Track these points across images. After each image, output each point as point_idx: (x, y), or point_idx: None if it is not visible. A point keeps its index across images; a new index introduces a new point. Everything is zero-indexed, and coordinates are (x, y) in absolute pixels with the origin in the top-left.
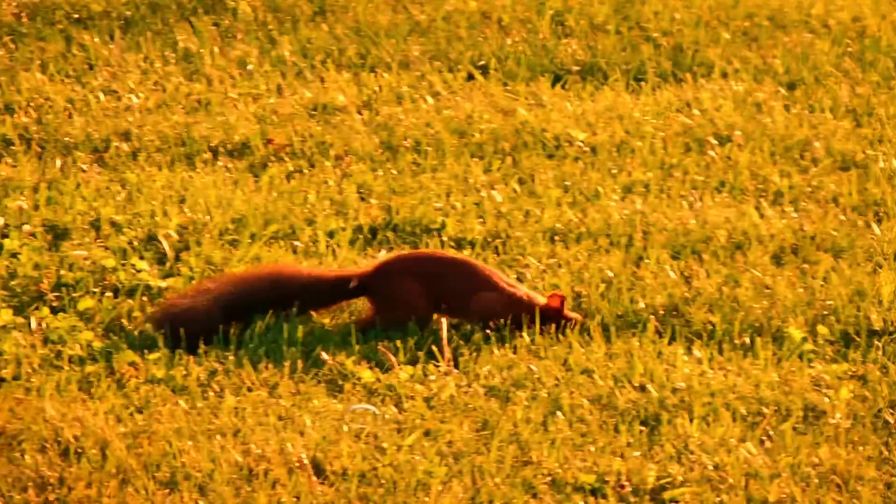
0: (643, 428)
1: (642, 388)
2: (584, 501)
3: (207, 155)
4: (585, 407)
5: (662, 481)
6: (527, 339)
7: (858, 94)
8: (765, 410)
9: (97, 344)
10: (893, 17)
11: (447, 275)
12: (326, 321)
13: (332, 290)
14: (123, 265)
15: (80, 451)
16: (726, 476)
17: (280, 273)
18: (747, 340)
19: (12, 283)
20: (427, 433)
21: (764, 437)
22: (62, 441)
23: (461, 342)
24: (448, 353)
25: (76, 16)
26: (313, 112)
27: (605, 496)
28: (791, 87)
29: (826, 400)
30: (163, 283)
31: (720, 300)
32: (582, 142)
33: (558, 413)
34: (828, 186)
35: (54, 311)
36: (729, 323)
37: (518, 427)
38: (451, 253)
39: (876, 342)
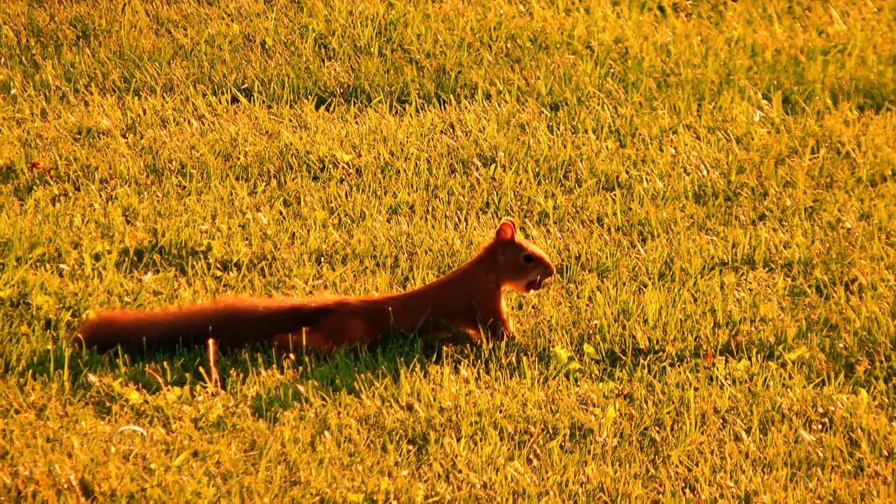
0: (411, 447)
1: (409, 408)
2: None
3: None
4: (353, 426)
5: (431, 500)
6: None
7: (621, 114)
8: (532, 429)
9: None
10: (655, 38)
11: None
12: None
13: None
14: None
15: None
16: (494, 495)
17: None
18: (514, 360)
19: None
20: (195, 454)
21: (531, 456)
22: None
23: (228, 363)
24: (215, 375)
25: None
26: (78, 136)
27: None
28: (554, 108)
29: (593, 418)
30: None
31: None
32: (347, 164)
33: (326, 433)
34: (592, 207)
35: None
36: (495, 342)
37: (286, 447)
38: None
39: (642, 360)
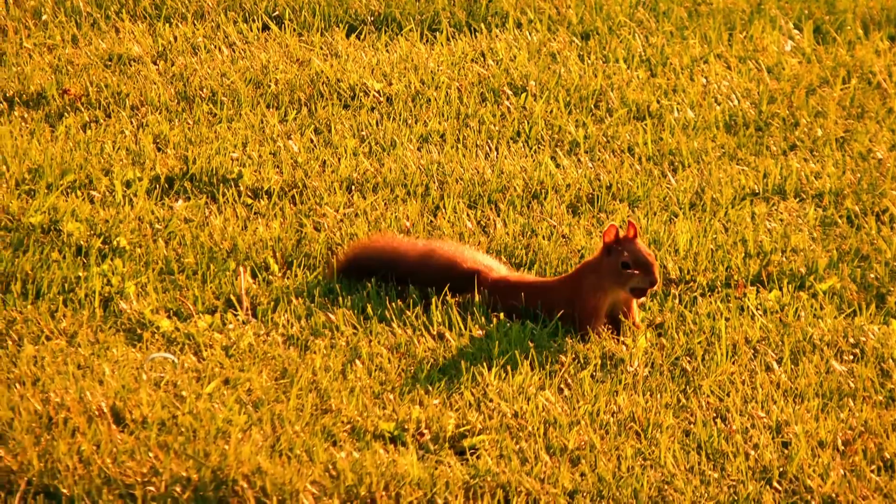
0: (442, 376)
1: (440, 337)
2: (384, 449)
3: (3, 105)
4: (384, 355)
5: (462, 429)
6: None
7: (652, 44)
8: (563, 359)
9: None
10: None
11: None
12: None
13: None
14: None
15: None
16: (525, 424)
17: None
18: None
19: None
20: (226, 381)
21: (562, 386)
22: None
23: (259, 291)
24: (246, 303)
25: None
26: (109, 62)
27: (404, 444)
28: (585, 37)
29: (624, 348)
30: None
31: (517, 249)
32: (378, 92)
33: (357, 361)
34: (623, 136)
35: None
36: (527, 271)
37: (317, 375)
38: None
39: (673, 291)
